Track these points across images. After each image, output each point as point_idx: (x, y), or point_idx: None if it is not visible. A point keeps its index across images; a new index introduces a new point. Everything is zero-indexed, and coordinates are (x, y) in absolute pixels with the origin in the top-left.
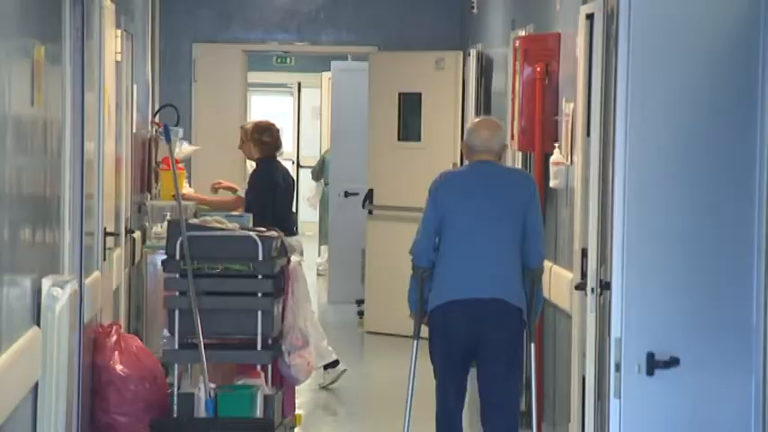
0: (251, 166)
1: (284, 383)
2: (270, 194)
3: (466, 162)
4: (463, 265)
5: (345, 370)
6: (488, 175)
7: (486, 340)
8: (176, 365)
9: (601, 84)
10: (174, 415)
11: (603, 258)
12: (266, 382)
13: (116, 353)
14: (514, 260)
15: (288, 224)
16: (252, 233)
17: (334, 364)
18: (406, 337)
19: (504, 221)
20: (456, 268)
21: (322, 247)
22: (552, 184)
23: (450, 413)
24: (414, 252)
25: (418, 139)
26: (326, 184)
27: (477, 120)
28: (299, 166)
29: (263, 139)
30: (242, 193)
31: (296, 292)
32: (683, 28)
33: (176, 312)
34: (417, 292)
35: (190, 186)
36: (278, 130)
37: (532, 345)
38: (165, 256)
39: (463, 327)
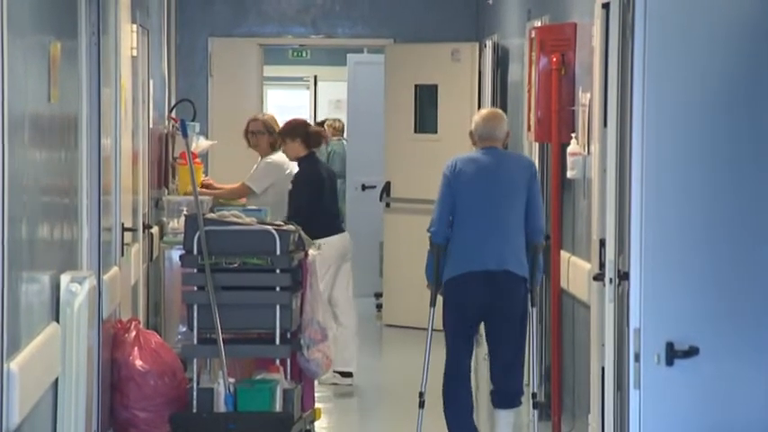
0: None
1: (303, 378)
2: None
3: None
4: (475, 240)
5: (350, 385)
6: (495, 159)
7: (496, 307)
8: (195, 360)
9: (617, 73)
10: (194, 410)
11: (621, 249)
12: (285, 376)
13: (135, 348)
14: (519, 234)
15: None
16: (269, 227)
17: (348, 374)
18: (425, 329)
19: (509, 200)
20: (468, 243)
21: None
22: (569, 174)
23: (459, 362)
24: (432, 231)
25: (435, 131)
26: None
27: (483, 111)
28: None
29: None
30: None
31: (314, 286)
32: (700, 17)
33: (195, 307)
34: (434, 266)
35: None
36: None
37: (534, 309)
38: (182, 252)
39: (476, 295)
